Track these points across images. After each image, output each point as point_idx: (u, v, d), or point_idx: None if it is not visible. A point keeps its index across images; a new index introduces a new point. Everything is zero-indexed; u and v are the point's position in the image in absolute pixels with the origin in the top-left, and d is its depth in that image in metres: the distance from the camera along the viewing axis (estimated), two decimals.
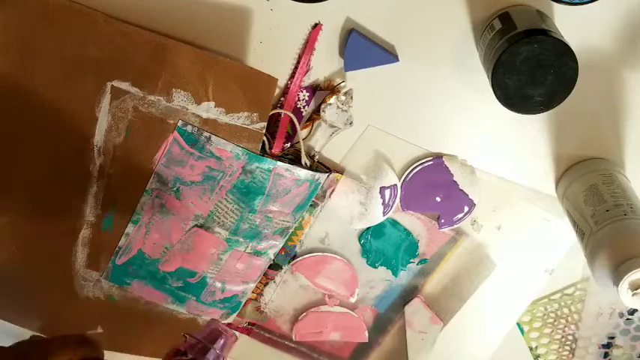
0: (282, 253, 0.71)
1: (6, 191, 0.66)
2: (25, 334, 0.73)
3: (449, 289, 0.75)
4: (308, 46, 0.62)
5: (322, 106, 0.64)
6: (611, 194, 0.62)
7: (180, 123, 0.63)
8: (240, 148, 0.63)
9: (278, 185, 0.65)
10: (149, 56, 0.61)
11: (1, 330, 0.72)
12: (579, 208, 0.63)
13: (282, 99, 0.65)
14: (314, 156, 0.67)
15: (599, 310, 0.77)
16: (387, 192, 0.69)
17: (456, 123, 0.66)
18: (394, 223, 0.71)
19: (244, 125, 0.63)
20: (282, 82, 0.64)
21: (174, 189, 0.65)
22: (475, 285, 0.74)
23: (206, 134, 0.63)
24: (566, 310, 0.77)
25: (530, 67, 0.55)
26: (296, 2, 0.58)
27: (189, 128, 0.63)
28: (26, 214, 0.67)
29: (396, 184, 0.69)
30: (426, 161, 0.68)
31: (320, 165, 0.68)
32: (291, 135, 0.66)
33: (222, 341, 0.57)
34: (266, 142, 0.65)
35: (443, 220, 0.70)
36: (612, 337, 0.78)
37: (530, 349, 0.79)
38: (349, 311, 0.75)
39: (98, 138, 0.64)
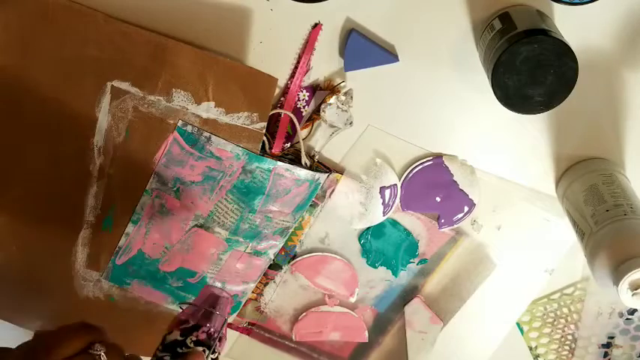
0: (282, 253, 0.71)
1: (6, 191, 0.66)
2: (25, 334, 0.73)
3: (449, 289, 0.75)
4: (308, 46, 0.62)
5: (322, 106, 0.64)
6: (611, 194, 0.62)
7: (180, 123, 0.63)
8: (240, 148, 0.63)
9: (278, 185, 0.65)
10: (149, 56, 0.61)
11: (1, 330, 0.72)
12: (579, 208, 0.63)
13: (282, 99, 0.65)
14: (314, 156, 0.67)
15: (599, 310, 0.77)
16: (387, 192, 0.69)
17: (456, 123, 0.66)
18: (394, 223, 0.71)
19: (244, 125, 0.63)
20: (282, 82, 0.64)
21: (175, 189, 0.65)
22: (475, 285, 0.74)
23: (206, 134, 0.63)
24: (565, 310, 0.77)
25: (530, 67, 0.55)
26: (296, 2, 0.58)
27: (189, 128, 0.63)
28: (26, 214, 0.67)
29: (396, 184, 0.69)
30: (426, 161, 0.68)
31: (320, 165, 0.68)
32: (291, 135, 0.66)
33: (222, 304, 0.57)
34: (266, 142, 0.65)
35: (443, 220, 0.70)
36: (612, 337, 0.78)
37: (530, 348, 0.79)
38: (349, 311, 0.75)
39: (98, 138, 0.64)
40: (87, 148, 0.64)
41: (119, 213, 0.67)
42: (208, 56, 0.61)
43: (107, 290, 0.71)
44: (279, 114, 0.65)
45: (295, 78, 0.64)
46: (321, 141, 0.67)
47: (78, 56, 0.61)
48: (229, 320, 0.74)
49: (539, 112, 0.57)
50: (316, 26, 0.62)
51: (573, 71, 0.55)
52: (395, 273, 0.73)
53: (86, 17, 0.60)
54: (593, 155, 0.67)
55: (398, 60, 0.63)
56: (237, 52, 0.63)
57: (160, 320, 0.73)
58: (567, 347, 0.79)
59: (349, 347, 0.78)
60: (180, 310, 0.56)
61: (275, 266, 0.72)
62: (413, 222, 0.71)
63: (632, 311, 0.76)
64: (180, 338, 0.54)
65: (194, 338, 0.54)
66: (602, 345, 0.78)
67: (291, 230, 0.69)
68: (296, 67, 0.63)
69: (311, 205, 0.69)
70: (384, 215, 0.69)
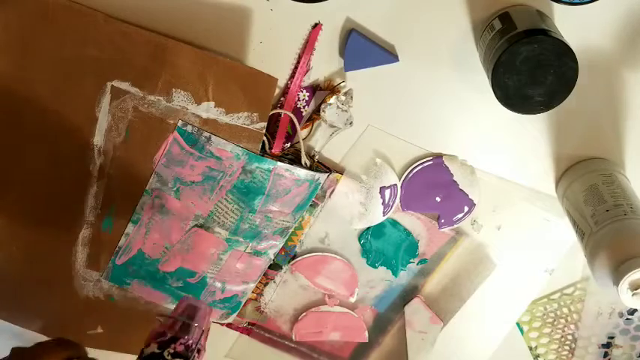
0: (282, 253, 0.71)
1: (6, 191, 0.66)
2: (25, 334, 0.73)
3: (449, 289, 0.75)
4: (308, 46, 0.62)
5: (322, 106, 0.64)
6: (611, 194, 0.62)
7: (180, 123, 0.63)
8: (240, 148, 0.63)
9: (278, 185, 0.65)
10: (149, 56, 0.61)
11: (1, 330, 0.73)
12: (579, 208, 0.63)
13: (282, 99, 0.65)
14: (314, 156, 0.67)
15: (599, 310, 0.77)
16: (387, 192, 0.69)
17: (456, 123, 0.66)
18: (394, 223, 0.71)
19: (244, 125, 0.63)
20: (282, 82, 0.64)
21: (175, 189, 0.65)
22: (475, 285, 0.74)
23: (206, 134, 0.63)
24: (565, 310, 0.77)
25: (530, 67, 0.55)
26: (296, 2, 0.58)
27: (189, 128, 0.63)
28: (26, 214, 0.67)
29: (396, 184, 0.69)
30: (426, 161, 0.68)
31: (320, 165, 0.68)
32: (291, 135, 0.66)
33: (199, 315, 0.56)
34: (266, 142, 0.65)
35: (443, 220, 0.70)
36: (612, 337, 0.78)
37: (530, 348, 0.79)
38: (349, 311, 0.75)
39: (98, 138, 0.64)
40: (87, 148, 0.64)
41: (119, 213, 0.67)
42: (208, 56, 0.61)
43: (107, 290, 0.71)
44: (279, 114, 0.65)
45: (295, 78, 0.64)
46: (321, 141, 0.67)
47: (78, 56, 0.61)
48: (229, 321, 0.74)
49: (539, 112, 0.57)
50: (316, 26, 0.62)
51: (573, 71, 0.55)
52: (395, 273, 0.73)
53: (86, 17, 0.60)
54: (593, 155, 0.67)
55: (398, 60, 0.63)
56: (237, 52, 0.63)
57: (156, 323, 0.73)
58: (567, 347, 0.79)
59: (349, 347, 0.78)
60: (159, 323, 0.56)
61: (275, 266, 0.72)
62: (413, 222, 0.71)
63: (632, 311, 0.76)
64: (157, 351, 0.54)
65: (172, 351, 0.54)
66: (602, 345, 0.78)
67: (291, 230, 0.69)
68: (296, 67, 0.63)
69: (311, 205, 0.69)
70: (384, 215, 0.69)
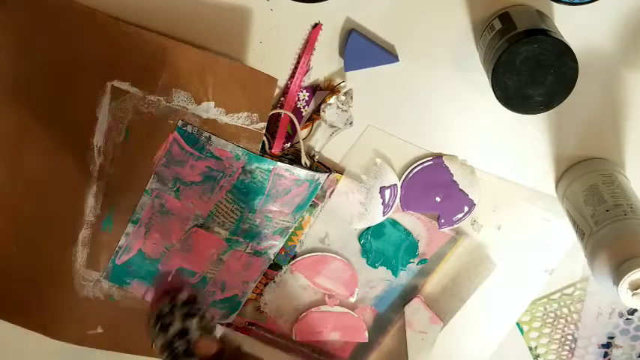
0: (282, 253, 0.71)
1: (5, 191, 0.66)
2: (25, 334, 0.73)
3: (449, 289, 0.75)
4: (308, 46, 0.62)
5: (322, 106, 0.64)
6: (611, 194, 0.62)
7: (180, 123, 0.63)
8: (240, 149, 0.63)
9: (278, 185, 0.65)
10: (149, 56, 0.61)
11: (1, 330, 0.73)
12: (579, 208, 0.63)
13: (282, 99, 0.65)
14: (314, 156, 0.67)
15: (599, 310, 0.77)
16: (387, 192, 0.69)
17: (456, 123, 0.66)
18: (394, 223, 0.71)
19: (244, 125, 0.63)
20: (282, 82, 0.64)
21: (174, 189, 0.65)
22: (475, 285, 0.74)
23: (206, 134, 0.63)
24: (565, 310, 0.77)
25: (530, 67, 0.55)
26: (296, 2, 0.58)
27: (189, 128, 0.63)
28: (26, 214, 0.67)
29: (396, 184, 0.69)
30: (426, 161, 0.68)
31: (320, 165, 0.68)
32: (291, 135, 0.66)
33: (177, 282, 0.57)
34: (266, 142, 0.65)
35: (443, 220, 0.70)
36: (612, 337, 0.78)
37: (530, 348, 0.79)
38: (349, 311, 0.75)
39: (98, 138, 0.64)
40: (87, 148, 0.64)
41: (119, 213, 0.67)
42: (208, 56, 0.61)
43: (107, 290, 0.71)
44: (279, 114, 0.65)
45: (295, 78, 0.64)
46: (321, 141, 0.67)
47: (78, 56, 0.61)
48: (229, 321, 0.74)
49: (539, 112, 0.57)
50: (316, 26, 0.62)
51: (573, 71, 0.55)
52: (395, 273, 0.73)
53: (86, 17, 0.60)
54: (593, 155, 0.67)
55: (398, 60, 0.63)
56: (237, 52, 0.63)
57: None
58: (567, 347, 0.79)
59: (349, 347, 0.78)
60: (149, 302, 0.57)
61: (275, 266, 0.72)
62: (413, 222, 0.71)
63: (632, 311, 0.77)
64: (166, 309, 0.55)
65: (183, 298, 0.55)
66: (602, 345, 0.78)
67: (291, 230, 0.69)
68: (296, 67, 0.63)
69: (311, 205, 0.69)
70: (384, 215, 0.69)
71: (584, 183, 0.65)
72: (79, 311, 0.71)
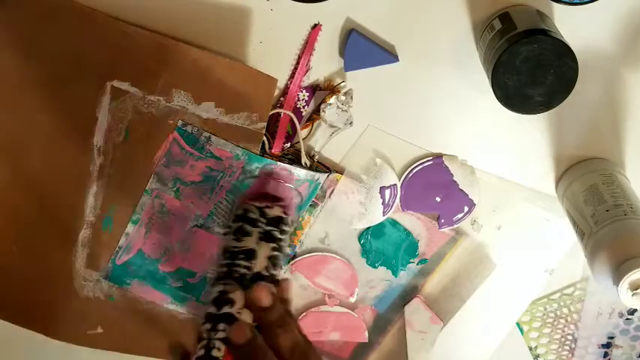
0: None
1: (5, 191, 0.66)
2: (25, 333, 0.73)
3: (449, 289, 0.75)
4: (308, 46, 0.62)
5: (322, 106, 0.64)
6: (611, 194, 0.62)
7: (180, 123, 0.63)
8: (240, 149, 0.63)
9: None
10: (149, 56, 0.61)
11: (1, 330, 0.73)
12: (579, 208, 0.63)
13: (282, 99, 0.65)
14: (314, 156, 0.67)
15: (599, 310, 0.77)
16: (387, 192, 0.69)
17: (456, 123, 0.66)
18: (394, 223, 0.71)
19: (244, 125, 0.63)
20: (282, 82, 0.64)
21: (174, 189, 0.65)
22: (475, 285, 0.74)
23: (206, 134, 0.63)
24: (565, 310, 0.77)
25: (530, 67, 0.55)
26: (296, 2, 0.58)
27: (189, 128, 0.63)
28: (26, 214, 0.67)
29: (396, 184, 0.69)
30: (426, 161, 0.68)
31: (320, 165, 0.68)
32: (291, 135, 0.66)
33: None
34: (266, 142, 0.65)
35: (443, 220, 0.70)
36: (612, 337, 0.78)
37: (530, 349, 0.79)
38: (349, 311, 0.75)
39: (98, 138, 0.64)
40: (87, 148, 0.64)
41: (119, 213, 0.67)
42: (208, 56, 0.61)
43: (107, 290, 0.71)
44: (279, 114, 0.65)
45: (295, 78, 0.64)
46: (321, 141, 0.67)
47: (78, 56, 0.61)
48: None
49: (539, 112, 0.57)
50: (316, 26, 0.62)
51: (573, 71, 0.55)
52: (395, 273, 0.73)
53: (86, 17, 0.60)
54: (593, 155, 0.67)
55: (398, 60, 0.63)
56: (237, 52, 0.63)
57: (159, 320, 0.73)
58: (567, 347, 0.79)
59: (349, 347, 0.78)
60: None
61: None
62: (413, 222, 0.71)
63: (632, 311, 0.76)
64: (253, 214, 0.52)
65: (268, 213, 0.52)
66: (602, 345, 0.78)
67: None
68: (296, 67, 0.63)
69: (311, 205, 0.69)
70: (383, 215, 0.69)
71: (584, 183, 0.65)
72: (79, 311, 0.71)
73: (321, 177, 0.66)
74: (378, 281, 0.74)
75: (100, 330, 0.72)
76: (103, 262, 0.69)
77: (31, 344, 0.74)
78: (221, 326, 0.51)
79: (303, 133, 0.66)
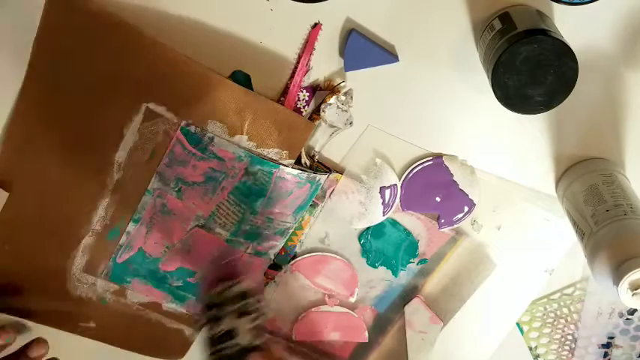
0: (282, 253, 0.71)
1: (14, 188, 0.66)
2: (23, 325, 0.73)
3: (449, 289, 0.75)
4: (308, 46, 0.62)
5: (322, 106, 0.64)
6: (611, 194, 0.62)
7: (183, 123, 0.63)
8: (243, 150, 0.63)
9: (279, 187, 0.65)
10: (191, 86, 0.61)
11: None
12: (579, 208, 0.63)
13: (282, 99, 0.65)
14: (314, 156, 0.67)
15: (599, 310, 0.77)
16: (387, 192, 0.69)
17: (456, 123, 0.66)
18: (394, 223, 0.71)
19: (272, 158, 0.64)
20: (282, 82, 0.64)
21: (176, 189, 0.65)
22: (475, 285, 0.74)
23: (209, 135, 0.63)
24: (565, 310, 0.77)
25: (530, 67, 0.55)
26: (296, 2, 0.58)
27: (192, 128, 0.63)
28: (27, 214, 0.67)
29: (396, 184, 0.69)
30: (426, 161, 0.68)
31: (320, 165, 0.68)
32: None
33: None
34: None
35: (443, 220, 0.70)
36: (612, 337, 0.78)
37: (530, 349, 0.79)
38: (349, 311, 0.75)
39: (121, 154, 0.64)
40: (108, 161, 0.64)
41: (127, 225, 0.67)
42: (251, 95, 0.62)
43: (100, 294, 0.71)
44: None
45: (295, 78, 0.64)
46: (321, 141, 0.67)
47: (118, 73, 0.60)
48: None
49: (539, 112, 0.57)
50: (316, 26, 0.62)
51: (573, 71, 0.55)
52: (395, 273, 0.73)
53: (134, 38, 0.59)
54: (593, 155, 0.67)
55: (398, 60, 0.63)
56: (237, 52, 0.63)
57: (148, 324, 0.73)
58: (567, 347, 0.79)
59: (349, 347, 0.78)
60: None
61: (275, 266, 0.72)
62: (413, 222, 0.71)
63: (632, 311, 0.77)
64: (215, 299, 0.52)
65: (231, 293, 0.52)
66: (602, 345, 0.78)
67: (291, 230, 0.69)
68: (296, 67, 0.63)
69: (311, 205, 0.69)
70: (384, 215, 0.69)
71: (584, 183, 0.65)
72: (72, 308, 0.72)
73: (322, 178, 0.66)
74: (378, 281, 0.74)
75: (92, 324, 0.73)
76: (102, 267, 0.70)
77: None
78: None
79: None
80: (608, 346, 0.78)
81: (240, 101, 0.62)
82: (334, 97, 0.64)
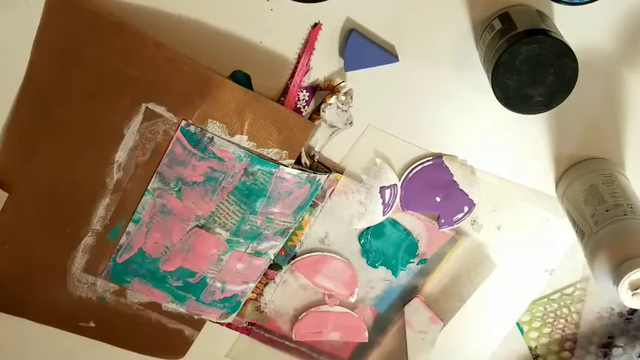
0: (282, 253, 0.71)
1: (15, 187, 0.66)
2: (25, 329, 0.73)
3: (449, 289, 0.75)
4: (308, 46, 0.62)
5: (322, 106, 0.64)
6: (611, 194, 0.62)
7: (183, 123, 0.63)
8: (243, 150, 0.63)
9: (279, 187, 0.65)
10: (191, 86, 0.61)
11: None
12: (579, 208, 0.63)
13: (282, 99, 0.65)
14: (314, 156, 0.67)
15: (599, 310, 0.77)
16: (387, 192, 0.69)
17: (456, 123, 0.66)
18: (394, 223, 0.71)
19: (271, 158, 0.64)
20: (282, 82, 0.64)
21: (176, 189, 0.65)
22: (475, 285, 0.74)
23: (209, 135, 0.63)
24: (565, 310, 0.77)
25: (530, 67, 0.55)
26: (296, 2, 0.58)
27: (192, 128, 0.63)
28: (30, 212, 0.67)
29: (396, 184, 0.69)
30: (426, 161, 0.68)
31: (320, 165, 0.68)
32: None
33: None
34: None
35: (443, 220, 0.70)
36: (612, 337, 0.78)
37: (530, 349, 0.79)
38: (349, 311, 0.75)
39: (121, 154, 0.64)
40: (107, 161, 0.64)
41: (127, 225, 0.67)
42: (251, 95, 0.62)
43: (101, 294, 0.71)
44: None
45: (295, 78, 0.64)
46: (321, 141, 0.67)
47: (119, 73, 0.61)
48: (229, 321, 0.74)
49: (539, 112, 0.57)
50: (316, 26, 0.62)
51: (573, 71, 0.55)
52: (395, 273, 0.73)
53: (136, 38, 0.59)
54: (593, 155, 0.67)
55: (398, 60, 0.63)
56: (237, 52, 0.63)
57: (147, 324, 0.73)
58: (567, 347, 0.79)
59: (349, 347, 0.78)
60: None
61: (275, 266, 0.72)
62: (413, 222, 0.71)
63: (632, 311, 0.77)
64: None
65: None
66: (602, 345, 0.78)
67: (291, 230, 0.69)
68: (296, 67, 0.63)
69: (311, 205, 0.69)
70: (384, 215, 0.69)
71: (584, 183, 0.65)
72: (72, 308, 0.72)
73: (322, 178, 0.66)
74: (378, 281, 0.74)
75: (92, 324, 0.73)
76: (102, 267, 0.70)
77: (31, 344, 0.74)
78: None
79: None
80: (608, 346, 0.78)
81: (240, 101, 0.62)
82: (334, 97, 0.64)
